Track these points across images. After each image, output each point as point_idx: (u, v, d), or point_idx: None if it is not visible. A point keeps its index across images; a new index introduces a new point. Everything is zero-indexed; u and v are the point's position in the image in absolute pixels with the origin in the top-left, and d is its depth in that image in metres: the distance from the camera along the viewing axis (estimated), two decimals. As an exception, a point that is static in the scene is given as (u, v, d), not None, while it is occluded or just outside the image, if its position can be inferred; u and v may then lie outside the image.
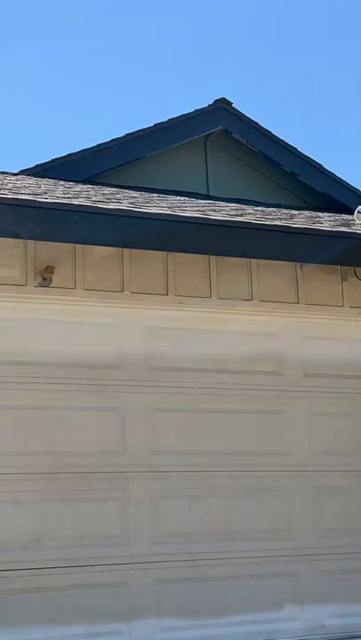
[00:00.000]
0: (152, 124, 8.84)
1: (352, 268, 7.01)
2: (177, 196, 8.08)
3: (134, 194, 7.58)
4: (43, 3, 19.26)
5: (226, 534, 6.23)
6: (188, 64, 21.38)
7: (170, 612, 5.95)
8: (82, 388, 6.08)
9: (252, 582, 6.20)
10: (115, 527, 5.93)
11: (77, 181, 8.10)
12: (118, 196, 7.07)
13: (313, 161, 9.45)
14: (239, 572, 6.19)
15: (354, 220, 7.11)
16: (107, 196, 6.79)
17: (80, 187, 7.57)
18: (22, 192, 6.10)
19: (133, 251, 6.36)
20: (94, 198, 6.43)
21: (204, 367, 6.46)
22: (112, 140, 8.66)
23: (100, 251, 6.31)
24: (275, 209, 8.10)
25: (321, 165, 9.49)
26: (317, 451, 6.68)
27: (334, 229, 6.76)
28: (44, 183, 7.44)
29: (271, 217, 7.00)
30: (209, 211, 6.75)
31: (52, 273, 6.09)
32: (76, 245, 6.20)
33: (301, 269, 6.97)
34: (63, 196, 6.33)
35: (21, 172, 8.27)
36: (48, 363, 6.04)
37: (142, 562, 5.71)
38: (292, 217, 7.36)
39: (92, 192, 7.09)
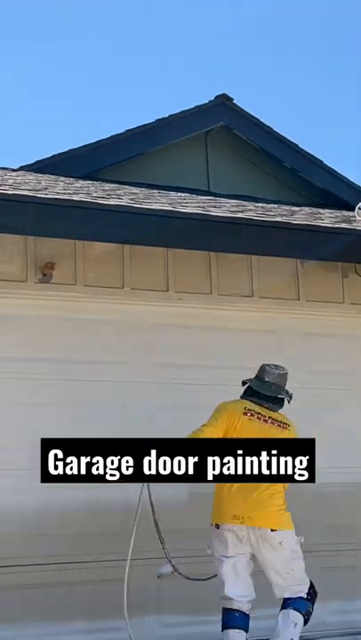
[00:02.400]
0: (153, 120, 8.83)
1: (353, 264, 7.01)
2: (177, 192, 8.07)
3: (135, 190, 7.57)
4: (43, 2, 19.23)
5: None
6: (190, 60, 21.36)
7: (170, 609, 5.95)
8: (82, 384, 6.08)
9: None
10: (115, 523, 5.92)
11: (78, 177, 8.09)
12: (119, 192, 7.06)
13: (314, 157, 9.44)
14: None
15: (355, 216, 7.10)
16: (107, 192, 6.78)
17: (80, 183, 7.56)
18: (23, 188, 6.09)
19: (134, 247, 6.35)
20: (95, 194, 6.41)
21: (203, 364, 6.45)
22: (112, 136, 8.64)
23: (101, 247, 6.30)
24: (275, 205, 8.09)
25: (322, 162, 9.48)
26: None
27: (335, 226, 6.74)
28: (45, 179, 7.43)
29: (272, 213, 6.98)
30: (210, 207, 6.73)
31: (53, 269, 6.08)
32: (77, 241, 6.19)
33: (302, 266, 6.96)
34: (63, 191, 6.32)
35: (22, 168, 8.27)
36: (48, 359, 6.03)
37: (143, 558, 5.69)
38: (292, 213, 7.34)
39: (93, 188, 7.07)
